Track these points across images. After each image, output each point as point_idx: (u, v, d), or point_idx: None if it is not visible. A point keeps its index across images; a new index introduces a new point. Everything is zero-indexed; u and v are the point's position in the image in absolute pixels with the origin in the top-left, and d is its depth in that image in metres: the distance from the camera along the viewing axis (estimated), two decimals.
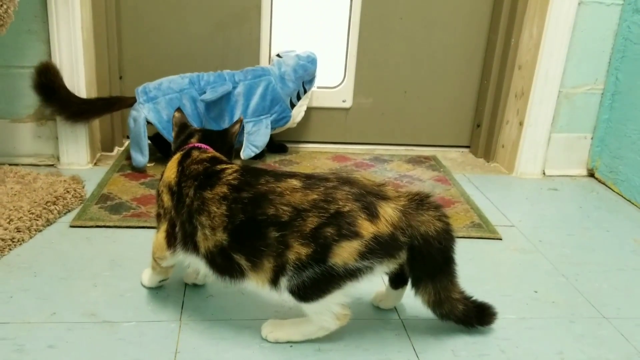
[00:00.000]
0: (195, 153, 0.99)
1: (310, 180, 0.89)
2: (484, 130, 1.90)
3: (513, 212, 1.52)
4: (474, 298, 0.99)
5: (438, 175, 1.72)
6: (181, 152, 1.00)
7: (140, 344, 0.93)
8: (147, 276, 1.07)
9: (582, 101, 1.74)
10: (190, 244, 0.93)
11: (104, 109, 1.61)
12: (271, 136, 1.72)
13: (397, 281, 1.01)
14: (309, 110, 1.84)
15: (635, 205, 1.60)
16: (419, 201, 0.90)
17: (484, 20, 1.83)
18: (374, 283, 1.01)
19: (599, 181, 1.77)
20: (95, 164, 1.68)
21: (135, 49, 1.77)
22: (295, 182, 0.88)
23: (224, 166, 0.95)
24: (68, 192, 1.37)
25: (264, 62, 1.82)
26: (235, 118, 1.65)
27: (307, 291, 0.88)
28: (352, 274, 0.87)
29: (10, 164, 1.57)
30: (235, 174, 0.91)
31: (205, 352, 0.92)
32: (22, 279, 1.08)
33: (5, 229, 1.18)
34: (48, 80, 1.50)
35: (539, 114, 1.72)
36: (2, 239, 1.16)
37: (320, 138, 1.92)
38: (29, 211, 1.25)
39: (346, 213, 0.85)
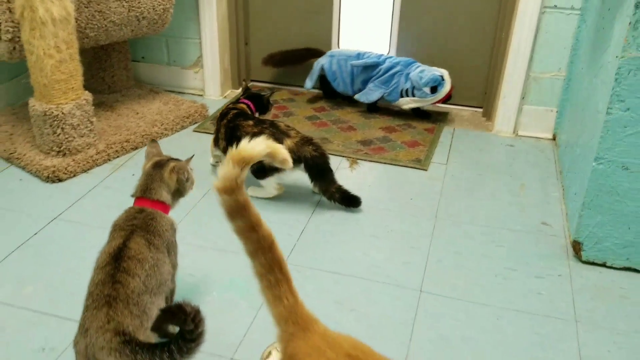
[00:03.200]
0: (233, 109, 1.99)
1: (258, 122, 1.84)
2: (488, 97, 2.55)
3: (456, 157, 2.24)
4: (350, 193, 1.86)
5: (431, 126, 2.47)
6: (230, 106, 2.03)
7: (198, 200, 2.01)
8: (211, 159, 2.15)
9: (549, 83, 2.30)
10: (219, 145, 1.96)
11: (307, 57, 2.68)
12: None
13: None
14: None
15: (557, 165, 2.18)
16: (306, 140, 1.80)
17: (493, 18, 2.44)
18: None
19: (556, 145, 2.33)
20: (225, 97, 2.79)
21: (255, 25, 2.79)
22: (250, 122, 1.85)
23: (233, 111, 1.94)
24: (197, 112, 2.50)
25: (334, 36, 2.70)
26: (372, 83, 2.51)
27: (257, 174, 1.86)
28: (273, 169, 1.82)
29: (178, 92, 2.77)
30: (231, 116, 1.91)
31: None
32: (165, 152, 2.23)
33: (159, 129, 2.34)
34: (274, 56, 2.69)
35: (510, 91, 2.34)
36: (159, 134, 2.32)
37: None
38: (172, 120, 2.40)
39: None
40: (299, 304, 0.89)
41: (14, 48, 1.96)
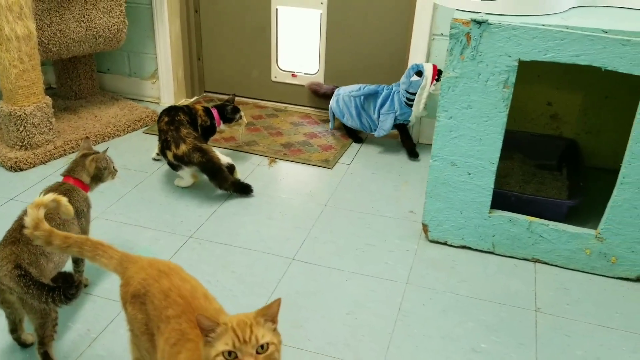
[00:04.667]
0: (180, 107, 2.40)
1: (169, 122, 2.26)
2: None
3: (361, 159, 2.63)
4: (243, 183, 2.27)
5: (345, 134, 2.86)
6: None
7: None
8: (154, 153, 2.55)
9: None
10: None
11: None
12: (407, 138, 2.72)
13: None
14: (301, 87, 3.09)
15: None
16: (197, 148, 2.20)
17: (398, 42, 2.84)
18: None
19: None
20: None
21: (207, 41, 3.21)
22: (166, 119, 2.27)
23: (174, 108, 2.37)
24: (147, 117, 2.91)
25: (273, 54, 3.11)
26: (376, 111, 2.66)
27: (171, 167, 2.27)
28: (176, 166, 2.25)
29: (138, 100, 3.18)
30: (167, 108, 2.34)
31: (158, 185, 2.36)
32: (121, 154, 2.63)
33: (112, 130, 2.75)
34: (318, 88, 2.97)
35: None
36: (111, 134, 2.73)
37: (302, 103, 3.16)
38: (125, 123, 2.82)
39: (169, 142, 2.21)
40: (124, 254, 1.25)
41: None
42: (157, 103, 3.19)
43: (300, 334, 1.63)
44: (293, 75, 3.11)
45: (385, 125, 2.66)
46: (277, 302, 1.02)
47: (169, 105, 2.62)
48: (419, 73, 2.54)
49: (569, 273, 1.90)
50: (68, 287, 1.30)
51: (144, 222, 2.11)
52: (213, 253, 1.96)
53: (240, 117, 2.56)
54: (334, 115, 2.83)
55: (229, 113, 2.52)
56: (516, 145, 2.54)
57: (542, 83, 2.54)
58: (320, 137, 2.83)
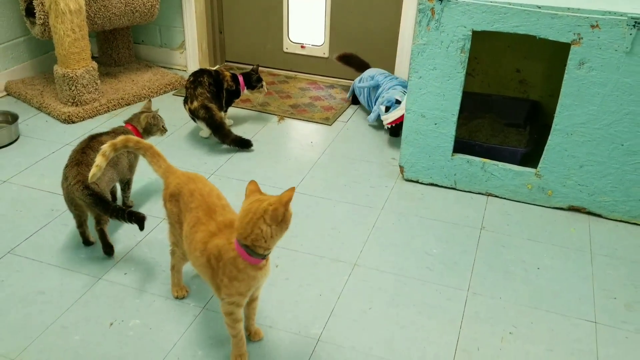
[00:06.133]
0: (209, 70, 2.87)
1: (193, 81, 2.73)
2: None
3: (356, 118, 3.08)
4: (242, 138, 2.72)
5: (345, 99, 3.31)
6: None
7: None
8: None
9: None
10: None
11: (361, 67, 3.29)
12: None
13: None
14: (309, 57, 3.55)
15: None
16: (204, 106, 2.67)
17: (393, 23, 3.26)
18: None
19: None
20: None
21: (228, 16, 3.67)
22: (192, 79, 2.74)
23: (205, 70, 2.82)
24: (176, 82, 3.39)
25: (284, 28, 3.56)
26: (375, 101, 2.94)
27: (190, 117, 2.76)
28: (192, 118, 2.73)
29: (167, 68, 3.67)
30: (198, 70, 2.79)
31: (186, 136, 2.85)
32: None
33: (147, 92, 3.24)
34: (351, 57, 3.24)
35: (399, 72, 3.16)
36: (146, 95, 3.22)
37: (310, 71, 3.62)
38: (157, 86, 3.31)
39: (187, 98, 2.71)
40: (169, 165, 1.73)
41: (44, 30, 2.88)
42: (185, 70, 3.68)
43: (295, 241, 2.11)
44: (302, 47, 3.56)
45: (371, 116, 2.90)
46: (291, 189, 1.44)
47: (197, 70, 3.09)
48: (387, 109, 2.76)
49: (514, 204, 2.35)
50: (132, 217, 1.82)
51: (173, 163, 2.59)
52: (228, 186, 2.45)
53: (262, 86, 3.00)
54: (353, 91, 3.19)
55: (254, 81, 2.95)
56: (489, 106, 2.97)
57: (512, 53, 2.95)
58: (323, 100, 3.29)
